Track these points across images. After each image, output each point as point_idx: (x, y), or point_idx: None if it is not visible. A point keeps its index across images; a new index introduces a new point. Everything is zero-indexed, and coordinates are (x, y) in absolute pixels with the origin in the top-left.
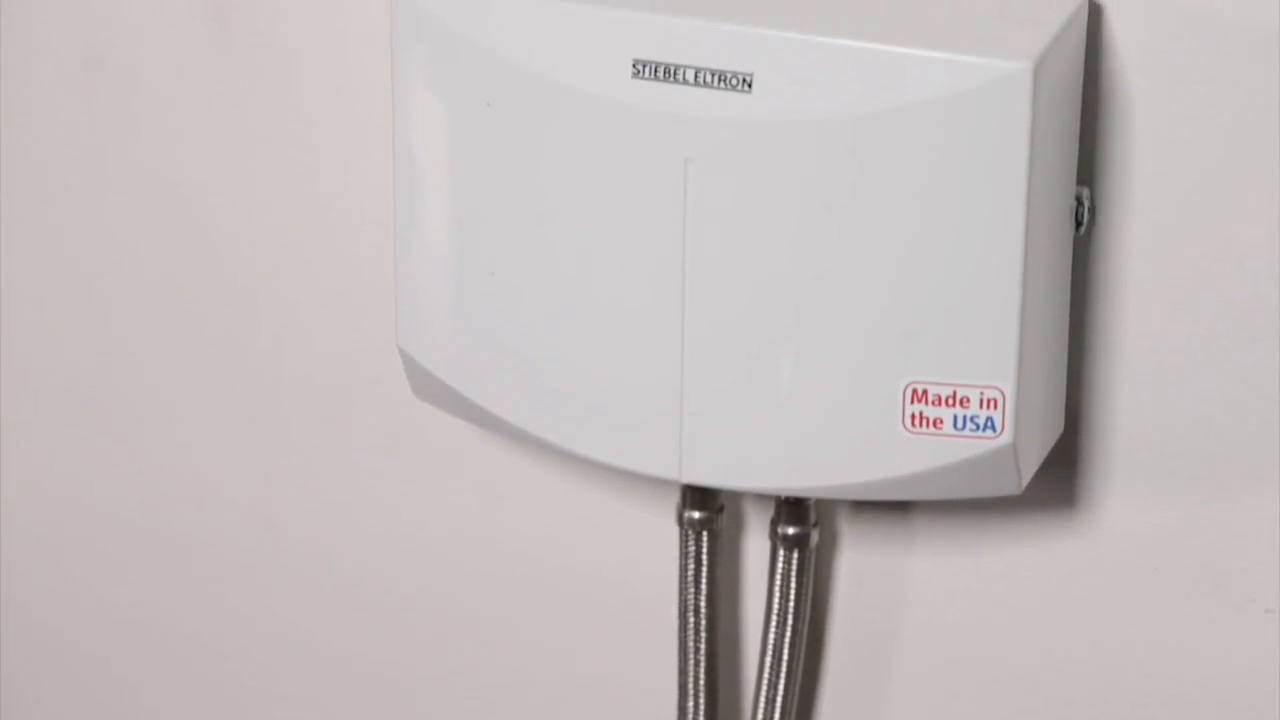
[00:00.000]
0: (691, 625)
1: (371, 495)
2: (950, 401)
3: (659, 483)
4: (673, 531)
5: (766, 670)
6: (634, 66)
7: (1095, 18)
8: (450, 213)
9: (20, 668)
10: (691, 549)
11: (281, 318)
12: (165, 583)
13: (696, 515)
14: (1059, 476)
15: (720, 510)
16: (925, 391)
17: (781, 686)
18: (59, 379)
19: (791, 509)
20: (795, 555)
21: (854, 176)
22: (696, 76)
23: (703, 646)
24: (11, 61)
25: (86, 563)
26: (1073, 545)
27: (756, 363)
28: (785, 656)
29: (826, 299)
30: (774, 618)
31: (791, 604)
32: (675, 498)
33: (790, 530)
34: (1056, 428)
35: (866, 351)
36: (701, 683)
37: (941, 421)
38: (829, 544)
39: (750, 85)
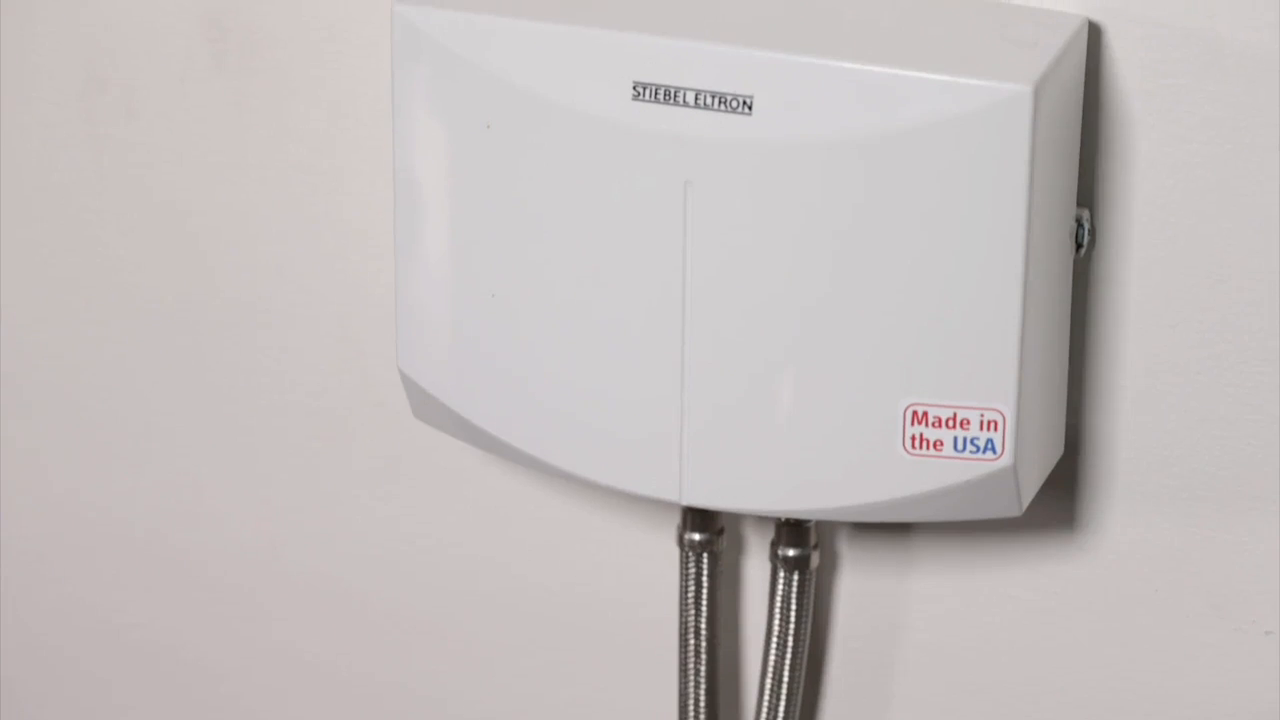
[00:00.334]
0: (692, 647)
1: (372, 517)
2: (950, 423)
3: (659, 504)
4: (673, 553)
5: (767, 692)
6: (634, 89)
7: (1095, 39)
8: (451, 235)
9: (21, 687)
10: (692, 570)
11: (282, 340)
12: (166, 603)
13: (697, 537)
14: (1059, 498)
15: (720, 532)
16: (925, 413)
17: (782, 708)
18: (60, 400)
19: (792, 531)
20: (795, 577)
21: (854, 198)
22: (697, 99)
23: (703, 668)
24: (12, 85)
25: (87, 583)
26: (1073, 567)
27: (757, 385)
28: (785, 678)
29: (827, 321)
30: (774, 639)
31: (792, 625)
32: (675, 519)
33: (790, 552)
34: (1056, 449)
35: (866, 373)
36: (702, 704)
37: (942, 443)
38: (829, 566)
39: (751, 107)
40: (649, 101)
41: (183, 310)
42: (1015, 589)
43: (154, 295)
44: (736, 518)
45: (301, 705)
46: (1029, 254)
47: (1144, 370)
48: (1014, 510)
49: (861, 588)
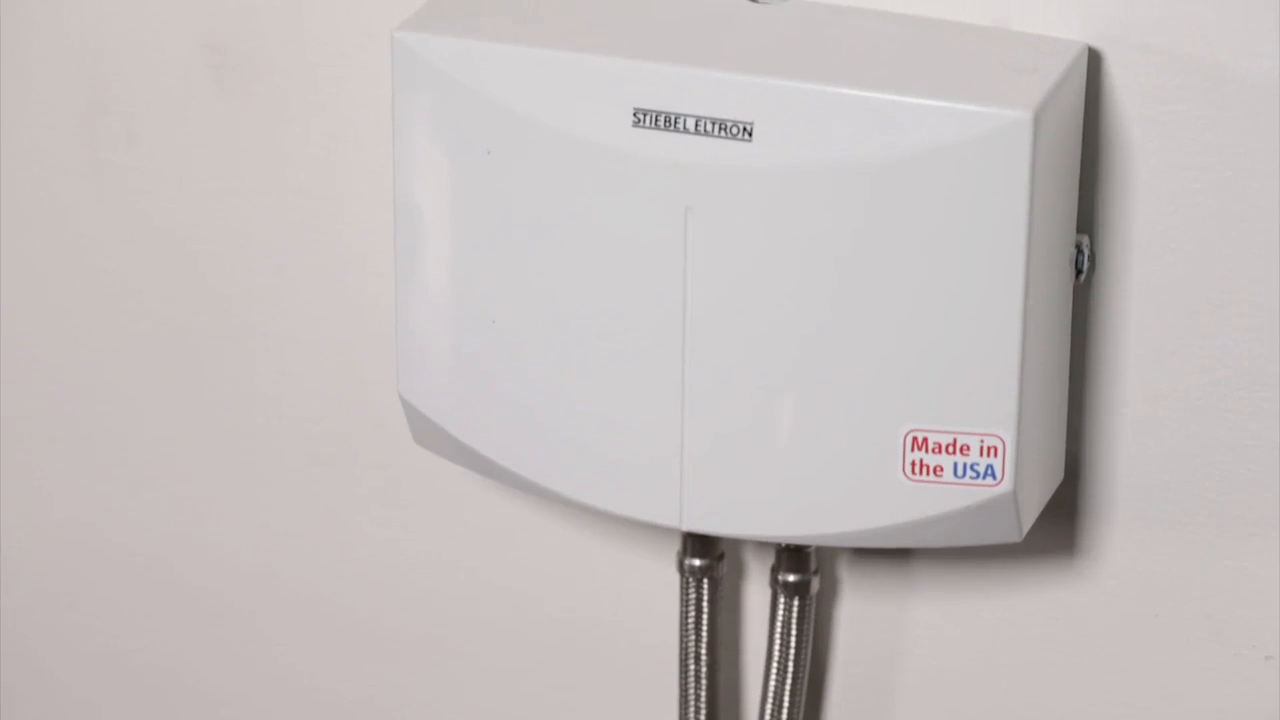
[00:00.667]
0: (692, 672)
1: (372, 541)
2: (950, 449)
3: (660, 530)
4: (673, 578)
5: (767, 717)
6: (634, 115)
7: (1095, 66)
8: (451, 261)
9: (21, 712)
10: (692, 596)
11: (283, 365)
12: (167, 627)
13: (697, 562)
14: (1059, 523)
15: (721, 557)
16: (925, 439)
17: None
18: (60, 423)
19: (792, 556)
20: (796, 602)
21: (854, 224)
22: (697, 125)
23: (703, 693)
24: (13, 109)
25: (88, 607)
26: (1073, 592)
27: (757, 410)
28: (786, 704)
29: (827, 346)
30: (774, 665)
31: (792, 651)
32: (676, 545)
33: (791, 577)
34: (1056, 475)
35: (867, 399)
36: None
37: (942, 469)
38: (829, 591)
39: (751, 134)
40: (649, 128)
41: (183, 334)
42: (1015, 614)
43: (154, 319)
44: (737, 543)
45: None
46: (1029, 280)
47: (1144, 396)
48: (1014, 536)
49: (862, 613)
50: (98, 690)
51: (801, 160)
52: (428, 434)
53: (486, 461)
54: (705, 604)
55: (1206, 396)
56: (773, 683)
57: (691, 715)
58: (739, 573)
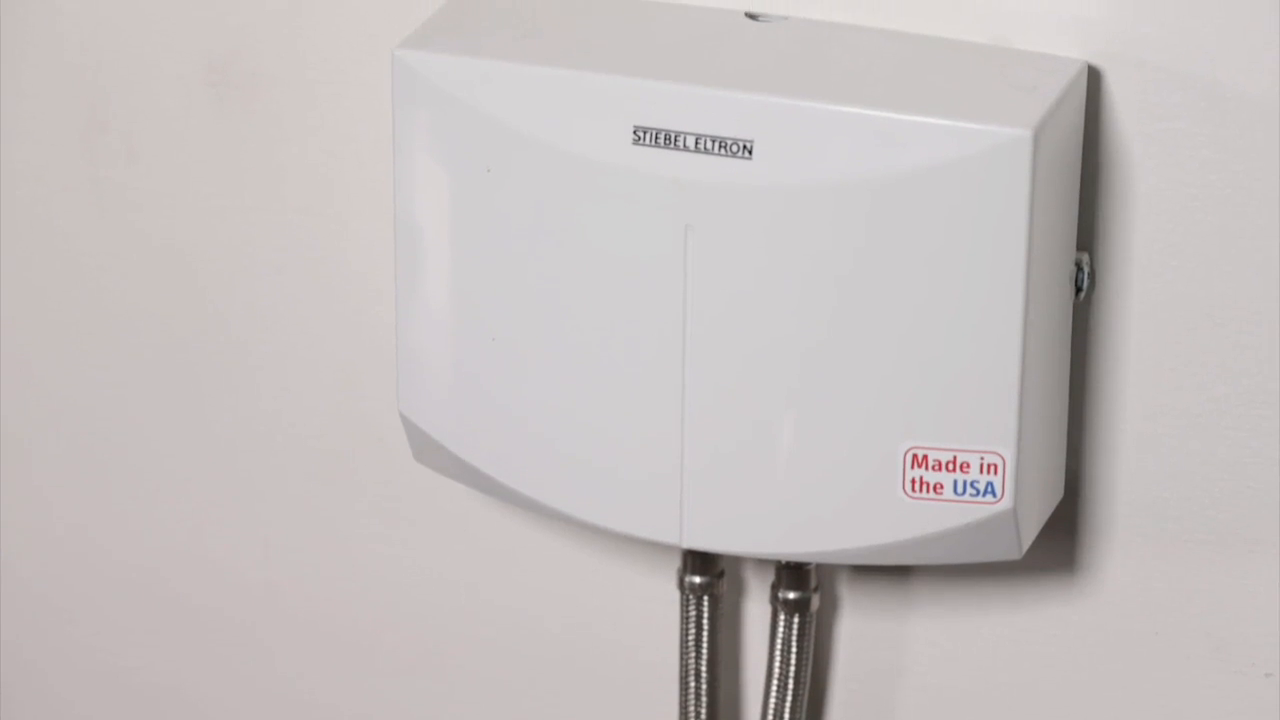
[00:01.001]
0: (692, 689)
1: (373, 559)
2: (950, 466)
3: (660, 547)
4: (673, 596)
5: None
6: (634, 133)
7: (1094, 84)
8: (451, 278)
9: None
10: (692, 613)
11: (283, 382)
12: (167, 644)
13: (697, 580)
14: (1059, 541)
15: (721, 575)
16: (925, 456)
17: None
18: (60, 441)
19: (792, 574)
20: (796, 620)
21: (854, 242)
22: (697, 143)
23: (703, 711)
24: (13, 127)
25: (88, 625)
26: (1073, 610)
27: (757, 428)
28: None
29: (827, 364)
30: (775, 682)
31: (792, 668)
32: (676, 562)
33: (791, 595)
34: (1056, 492)
35: (867, 417)
36: None
37: (942, 486)
38: (830, 608)
39: (751, 152)
40: (649, 146)
41: (183, 351)
42: (1015, 632)
43: (154, 336)
44: (737, 560)
45: None
46: (1029, 297)
47: (1143, 413)
48: (1014, 553)
49: (862, 630)
50: (98, 706)
51: (801, 178)
52: (428, 451)
53: (487, 478)
54: (705, 621)
55: (1206, 414)
56: (773, 700)
57: None
58: (739, 590)
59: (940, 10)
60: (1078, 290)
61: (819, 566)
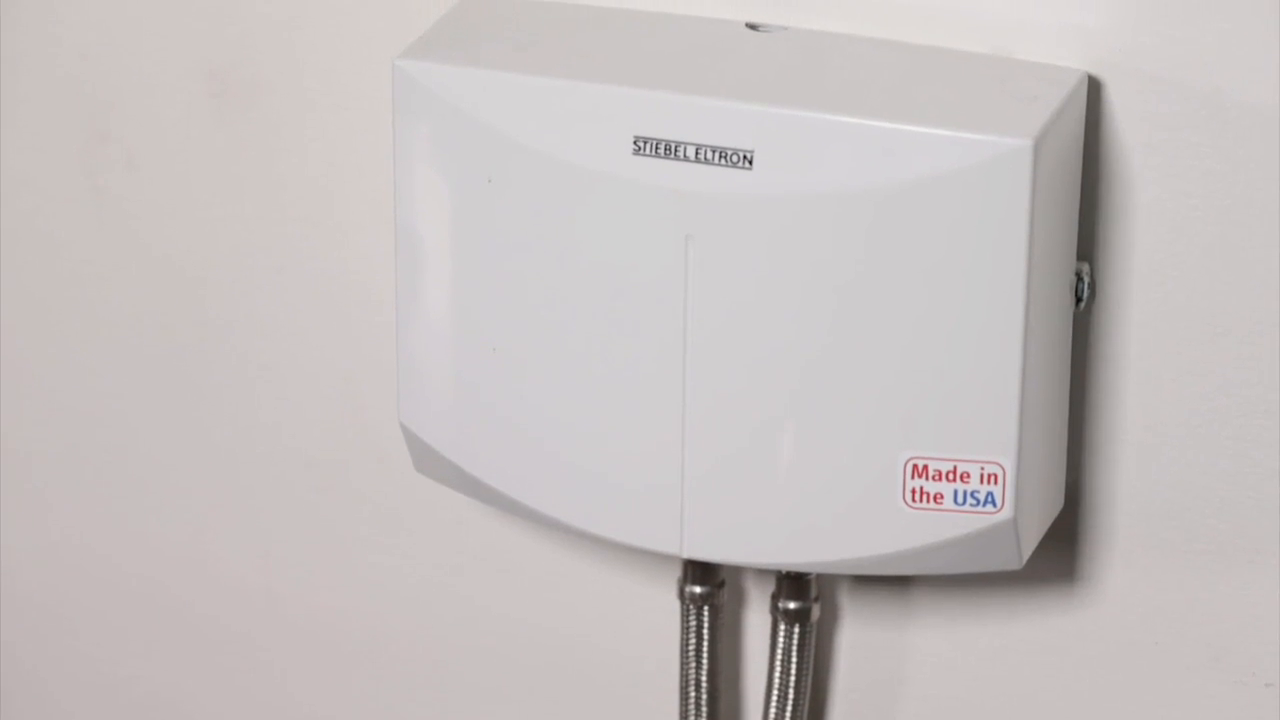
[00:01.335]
0: (692, 699)
1: (374, 569)
2: (951, 476)
3: (660, 557)
4: (674, 606)
5: None
6: (635, 143)
7: (1095, 94)
8: (452, 288)
9: None
10: (692, 623)
11: (284, 393)
12: (167, 654)
13: (697, 590)
14: (1059, 551)
15: (721, 585)
16: (926, 467)
17: None
18: (59, 451)
19: (792, 584)
20: (796, 630)
21: (854, 252)
22: (697, 153)
23: None
24: (13, 137)
25: (88, 634)
26: (1073, 620)
27: (757, 438)
28: None
29: (827, 374)
30: (775, 692)
31: (792, 678)
32: (676, 572)
33: (791, 605)
34: (1057, 502)
35: (867, 427)
36: None
37: (942, 496)
38: (830, 618)
39: (751, 162)
40: (650, 156)
41: (183, 361)
42: (1015, 642)
43: (154, 345)
44: (737, 570)
45: None
46: (1029, 307)
47: (1144, 424)
48: (1014, 563)
49: (862, 640)
50: (98, 714)
51: (802, 188)
52: (428, 461)
53: (487, 488)
54: (706, 631)
55: (1207, 424)
56: (773, 710)
57: None
58: (739, 600)
59: (941, 21)
60: (1078, 300)
61: (819, 576)
